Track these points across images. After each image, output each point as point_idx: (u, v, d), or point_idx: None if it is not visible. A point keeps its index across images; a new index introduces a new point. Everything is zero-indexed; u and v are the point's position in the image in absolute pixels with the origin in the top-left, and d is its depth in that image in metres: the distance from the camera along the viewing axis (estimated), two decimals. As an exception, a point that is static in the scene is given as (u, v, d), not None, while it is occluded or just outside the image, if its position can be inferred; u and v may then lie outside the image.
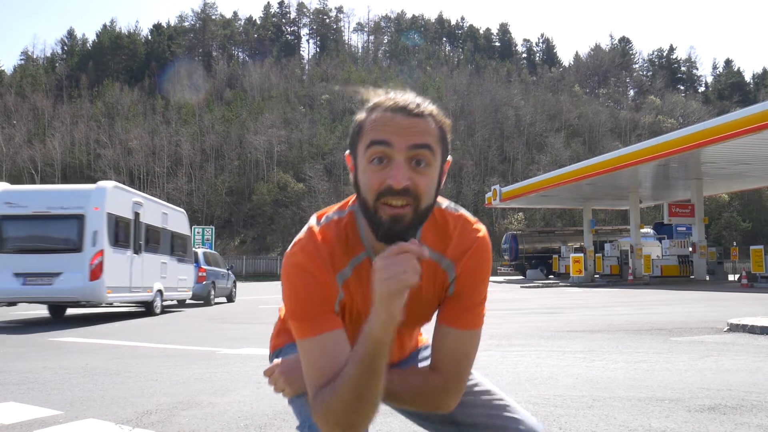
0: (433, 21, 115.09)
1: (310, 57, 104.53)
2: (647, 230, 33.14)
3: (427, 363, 1.36)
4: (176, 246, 14.01)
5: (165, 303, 13.51)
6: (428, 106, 1.21)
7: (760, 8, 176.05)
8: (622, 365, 5.02)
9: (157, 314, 12.53)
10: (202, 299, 15.76)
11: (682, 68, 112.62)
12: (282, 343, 1.56)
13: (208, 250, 18.05)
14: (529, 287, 23.39)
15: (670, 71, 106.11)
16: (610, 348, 6.07)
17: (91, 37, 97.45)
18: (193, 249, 16.17)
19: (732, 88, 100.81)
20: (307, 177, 60.44)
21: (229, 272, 17.81)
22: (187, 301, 15.76)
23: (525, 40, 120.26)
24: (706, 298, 14.17)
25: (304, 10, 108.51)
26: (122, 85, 76.66)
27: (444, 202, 1.34)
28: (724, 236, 54.93)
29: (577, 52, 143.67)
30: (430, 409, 1.32)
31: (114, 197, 10.97)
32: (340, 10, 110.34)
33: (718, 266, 25.32)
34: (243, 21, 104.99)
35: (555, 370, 4.86)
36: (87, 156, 64.48)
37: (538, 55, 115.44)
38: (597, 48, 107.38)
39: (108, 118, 68.50)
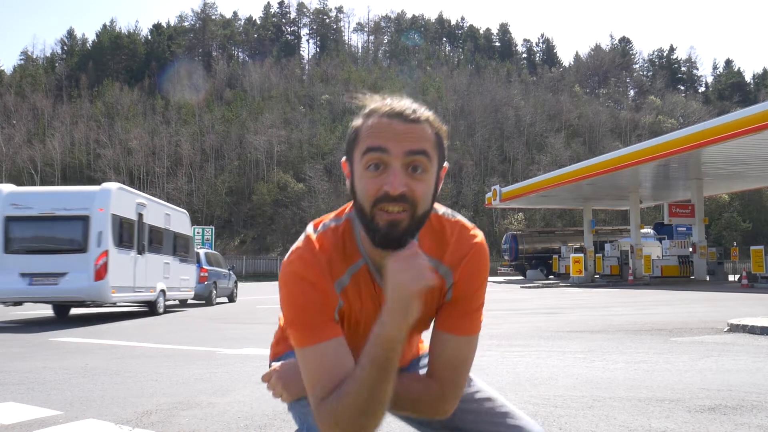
0: (433, 21, 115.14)
1: (310, 57, 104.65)
2: (647, 230, 33.13)
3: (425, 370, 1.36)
4: (179, 246, 14.16)
5: (167, 303, 13.66)
6: (425, 112, 1.20)
7: (760, 8, 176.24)
8: (622, 365, 5.01)
9: (160, 314, 12.66)
10: (204, 299, 15.91)
11: (683, 68, 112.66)
12: (282, 351, 1.56)
13: (210, 251, 18.17)
14: (529, 287, 23.39)
15: (671, 71, 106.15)
16: (610, 348, 6.07)
17: (91, 37, 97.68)
18: (195, 249, 16.32)
19: (732, 89, 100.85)
20: (307, 177, 60.45)
21: (231, 272, 17.96)
22: (189, 301, 15.90)
23: (525, 40, 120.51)
24: (706, 299, 14.17)
25: (304, 10, 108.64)
26: (122, 85, 76.70)
27: (441, 208, 1.34)
28: (724, 236, 54.93)
29: (577, 52, 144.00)
30: (428, 415, 1.31)
31: (118, 198, 11.14)
32: (340, 10, 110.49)
33: (719, 266, 25.33)
34: (243, 21, 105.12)
35: (555, 370, 4.86)
36: (87, 156, 64.49)
37: (538, 55, 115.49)
38: (597, 48, 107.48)
39: (108, 118, 68.52)
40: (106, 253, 10.47)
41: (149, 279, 12.25)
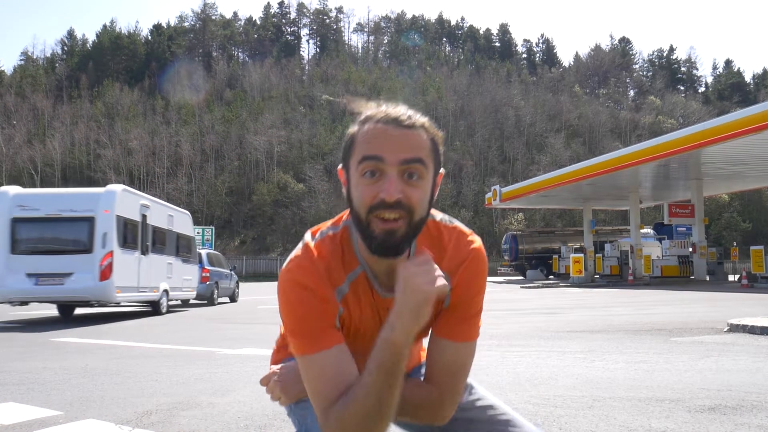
0: (433, 21, 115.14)
1: (310, 57, 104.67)
2: (647, 230, 33.13)
3: None
4: (181, 247, 14.38)
5: (170, 302, 13.83)
6: (420, 118, 1.21)
7: (760, 8, 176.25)
8: (622, 365, 5.01)
9: (163, 313, 12.83)
10: (206, 299, 16.09)
11: (682, 68, 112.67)
12: (282, 358, 1.56)
13: (212, 251, 18.36)
14: (529, 287, 23.40)
15: (670, 71, 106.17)
16: (610, 348, 6.07)
17: (91, 38, 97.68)
18: (198, 250, 16.49)
19: (732, 89, 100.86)
20: (307, 177, 60.45)
21: (232, 273, 18.15)
22: (191, 301, 16.08)
23: (525, 40, 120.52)
24: (706, 299, 14.17)
25: (304, 10, 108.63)
26: (122, 86, 76.69)
27: (438, 214, 1.34)
28: (724, 236, 54.93)
29: (577, 53, 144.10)
30: (426, 421, 1.31)
31: (123, 200, 11.33)
32: (340, 10, 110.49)
33: (719, 266, 25.32)
34: (243, 21, 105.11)
35: (555, 370, 4.86)
36: (87, 156, 64.49)
37: (538, 55, 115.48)
38: (597, 48, 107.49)
39: (108, 118, 68.52)
40: (111, 253, 10.66)
41: (153, 279, 12.44)
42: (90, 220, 10.70)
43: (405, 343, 1.12)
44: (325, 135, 67.42)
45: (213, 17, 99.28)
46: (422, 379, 1.34)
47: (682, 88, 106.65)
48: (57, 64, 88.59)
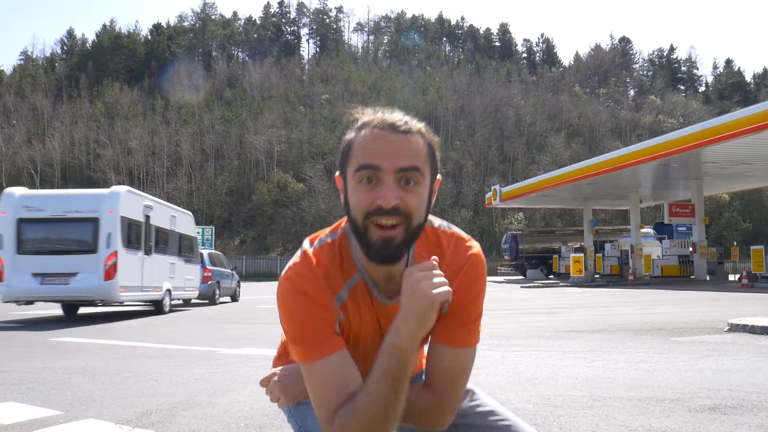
0: (433, 21, 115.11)
1: (310, 57, 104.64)
2: (647, 230, 33.14)
3: None
4: (183, 247, 14.57)
5: (173, 302, 14.00)
6: (416, 124, 1.21)
7: (760, 8, 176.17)
8: (623, 365, 5.01)
9: (166, 312, 12.98)
10: (208, 298, 16.32)
11: (683, 68, 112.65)
12: (283, 365, 1.56)
13: (213, 251, 18.57)
14: (529, 287, 23.39)
15: (671, 71, 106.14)
16: (611, 348, 6.07)
17: (91, 37, 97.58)
18: (200, 250, 16.69)
19: (732, 88, 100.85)
20: (307, 177, 60.45)
21: (233, 272, 18.33)
22: (193, 300, 16.29)
23: (525, 40, 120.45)
24: (706, 298, 14.17)
25: (304, 10, 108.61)
26: (122, 85, 76.68)
27: (436, 221, 1.34)
28: (724, 236, 54.94)
29: (577, 52, 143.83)
30: (425, 427, 1.31)
31: (127, 201, 11.50)
32: (340, 10, 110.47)
33: (719, 266, 25.32)
34: (243, 21, 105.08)
35: (555, 370, 4.86)
36: (87, 156, 64.48)
37: (538, 55, 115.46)
38: (597, 48, 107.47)
39: (108, 118, 68.51)
40: (115, 253, 10.83)
41: (156, 279, 12.62)
42: (94, 221, 10.87)
43: (411, 348, 1.13)
44: (325, 135, 67.40)
45: (213, 17, 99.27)
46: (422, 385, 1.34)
47: (682, 87, 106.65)
48: (57, 64, 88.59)
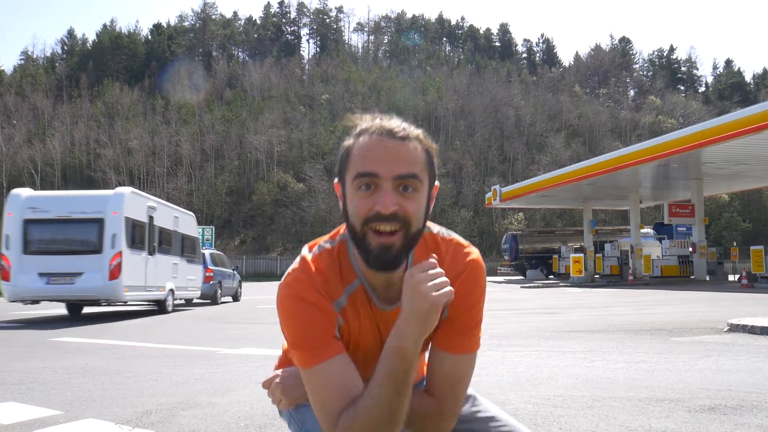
0: (433, 21, 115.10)
1: (310, 57, 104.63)
2: (647, 230, 33.14)
3: None
4: (186, 247, 14.74)
5: (175, 301, 14.15)
6: (414, 130, 1.21)
7: (760, 8, 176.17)
8: (622, 365, 5.01)
9: (169, 312, 13.12)
10: (209, 298, 16.52)
11: (683, 68, 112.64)
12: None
13: (215, 251, 18.74)
14: (529, 287, 23.40)
15: (671, 71, 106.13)
16: (610, 348, 6.07)
17: (91, 37, 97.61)
18: (201, 250, 16.85)
19: (732, 88, 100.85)
20: (307, 177, 60.45)
21: (235, 272, 18.51)
22: (195, 300, 16.50)
23: (525, 40, 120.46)
24: (706, 299, 14.17)
25: (304, 10, 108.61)
26: (122, 85, 76.68)
27: (435, 227, 1.34)
28: (724, 236, 54.93)
29: (577, 52, 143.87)
30: None
31: (131, 202, 11.67)
32: (340, 10, 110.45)
33: (719, 266, 25.32)
34: (243, 21, 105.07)
35: (555, 370, 4.86)
36: (87, 156, 64.48)
37: (538, 55, 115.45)
38: (597, 48, 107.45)
39: (108, 118, 68.50)
40: (119, 254, 11.00)
41: (159, 279, 12.78)
42: (99, 222, 11.04)
43: (414, 351, 1.13)
44: (325, 135, 67.40)
45: (213, 17, 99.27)
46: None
47: (682, 87, 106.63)
48: (57, 64, 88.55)
